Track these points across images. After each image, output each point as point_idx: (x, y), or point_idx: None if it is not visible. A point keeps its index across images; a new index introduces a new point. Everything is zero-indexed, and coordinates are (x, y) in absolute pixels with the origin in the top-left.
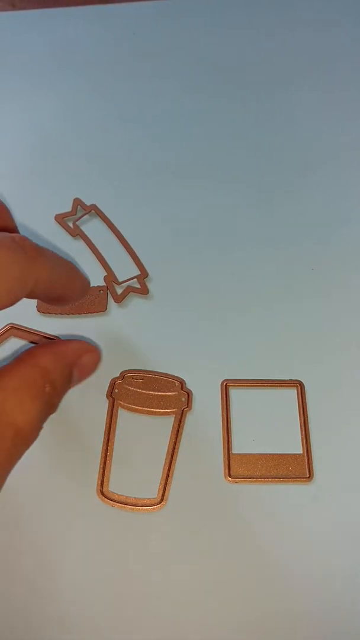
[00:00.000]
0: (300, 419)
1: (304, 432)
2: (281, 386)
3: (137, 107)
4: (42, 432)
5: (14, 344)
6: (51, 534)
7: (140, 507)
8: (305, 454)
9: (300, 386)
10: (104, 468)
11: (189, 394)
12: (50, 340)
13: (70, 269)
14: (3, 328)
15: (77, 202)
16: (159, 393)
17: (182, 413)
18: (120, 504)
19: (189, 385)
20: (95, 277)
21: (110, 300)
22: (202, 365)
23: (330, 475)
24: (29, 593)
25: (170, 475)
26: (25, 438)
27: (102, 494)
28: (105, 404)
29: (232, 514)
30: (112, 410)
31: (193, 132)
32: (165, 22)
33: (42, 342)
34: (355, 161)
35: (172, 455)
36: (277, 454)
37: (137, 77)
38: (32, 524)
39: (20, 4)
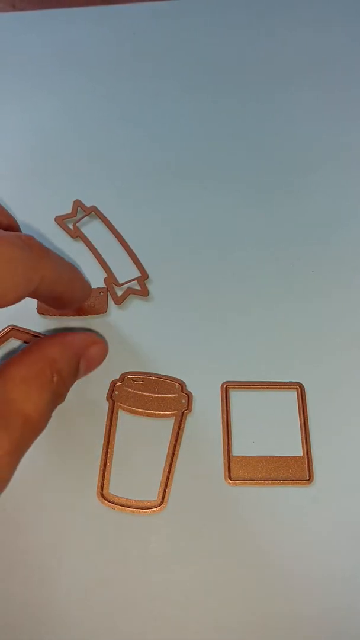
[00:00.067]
0: (300, 422)
1: (304, 435)
2: (281, 388)
3: (138, 108)
4: (42, 433)
5: (15, 346)
6: (51, 537)
7: (141, 510)
8: (306, 457)
9: (300, 388)
10: (104, 470)
11: (189, 396)
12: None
13: (72, 270)
14: (4, 329)
15: (77, 204)
16: (159, 395)
17: (182, 415)
18: (120, 507)
19: (189, 387)
20: (96, 278)
21: (111, 302)
22: (202, 367)
23: (331, 477)
24: (29, 594)
25: (170, 477)
26: (34, 427)
27: (102, 496)
28: (105, 406)
29: (232, 517)
30: (112, 412)
31: (193, 132)
32: (165, 22)
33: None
34: (355, 161)
35: (173, 457)
36: (277, 456)
37: (137, 78)
38: (32, 526)
39: (21, 5)
